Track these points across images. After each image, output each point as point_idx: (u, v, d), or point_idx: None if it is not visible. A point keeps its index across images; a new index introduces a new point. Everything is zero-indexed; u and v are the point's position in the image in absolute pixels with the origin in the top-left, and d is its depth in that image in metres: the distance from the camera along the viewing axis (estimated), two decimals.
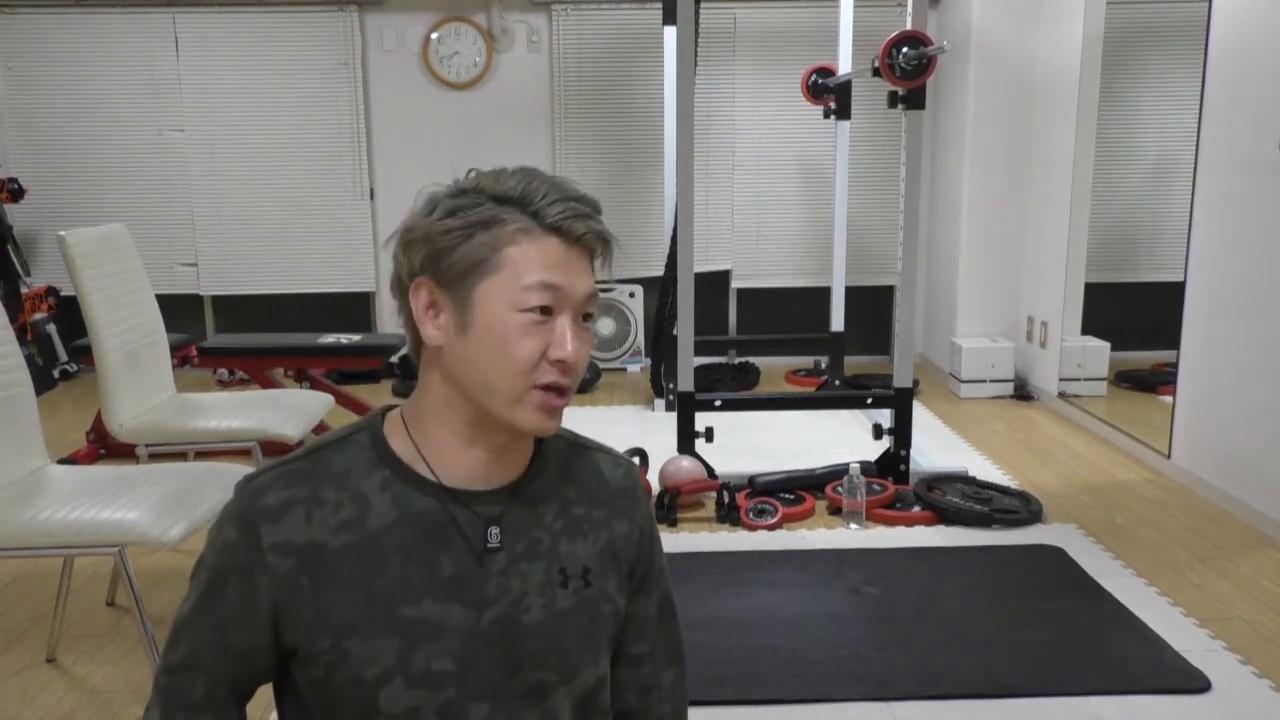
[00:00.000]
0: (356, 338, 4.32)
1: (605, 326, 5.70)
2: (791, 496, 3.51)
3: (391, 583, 0.96)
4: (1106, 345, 4.69)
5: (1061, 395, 4.70)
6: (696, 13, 4.23)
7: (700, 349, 4.81)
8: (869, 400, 3.68)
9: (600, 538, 1.05)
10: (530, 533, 1.01)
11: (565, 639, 1.00)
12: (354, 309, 5.82)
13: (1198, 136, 3.60)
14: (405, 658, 0.95)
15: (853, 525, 3.32)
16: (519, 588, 0.99)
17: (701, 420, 3.66)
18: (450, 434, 0.99)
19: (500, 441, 0.99)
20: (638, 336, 5.71)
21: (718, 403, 3.69)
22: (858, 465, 3.37)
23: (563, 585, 1.01)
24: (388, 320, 5.81)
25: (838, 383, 4.99)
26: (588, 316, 0.98)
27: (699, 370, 5.16)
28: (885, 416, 3.74)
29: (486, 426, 0.98)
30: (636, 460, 3.69)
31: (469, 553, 0.98)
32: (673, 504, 3.39)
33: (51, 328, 5.33)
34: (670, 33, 4.64)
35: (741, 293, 5.83)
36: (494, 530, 0.99)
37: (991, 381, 4.99)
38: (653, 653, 1.12)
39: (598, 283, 0.99)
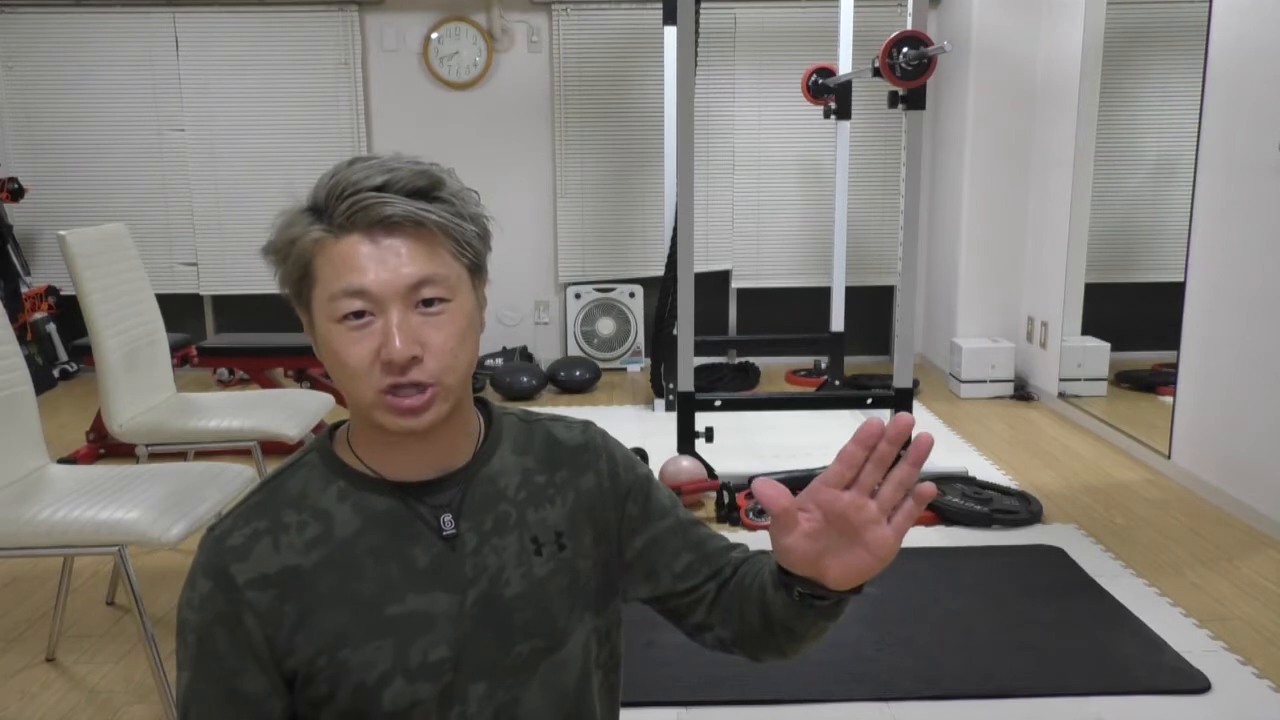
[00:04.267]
0: None
1: (605, 327, 5.69)
2: None
3: (372, 586, 0.96)
4: (1106, 345, 4.69)
5: (1061, 395, 4.70)
6: (696, 13, 4.22)
7: (700, 349, 4.80)
8: (869, 400, 3.68)
9: (568, 499, 1.06)
10: (496, 508, 1.02)
11: (549, 604, 1.01)
12: None
13: (1198, 137, 3.60)
14: (402, 654, 0.95)
15: None
16: (495, 563, 1.00)
17: (701, 420, 3.66)
18: (375, 437, 0.98)
19: (416, 436, 0.96)
20: (638, 336, 5.71)
21: (718, 403, 3.68)
22: None
23: (537, 553, 1.02)
24: None
25: (838, 383, 4.98)
26: (431, 302, 0.92)
27: (699, 370, 5.16)
28: (885, 416, 3.73)
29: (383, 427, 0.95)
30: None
31: (439, 540, 0.99)
32: None
33: (51, 327, 5.33)
34: (670, 33, 4.64)
35: (741, 293, 5.83)
36: (446, 517, 0.99)
37: (991, 382, 4.98)
38: (702, 552, 1.12)
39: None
